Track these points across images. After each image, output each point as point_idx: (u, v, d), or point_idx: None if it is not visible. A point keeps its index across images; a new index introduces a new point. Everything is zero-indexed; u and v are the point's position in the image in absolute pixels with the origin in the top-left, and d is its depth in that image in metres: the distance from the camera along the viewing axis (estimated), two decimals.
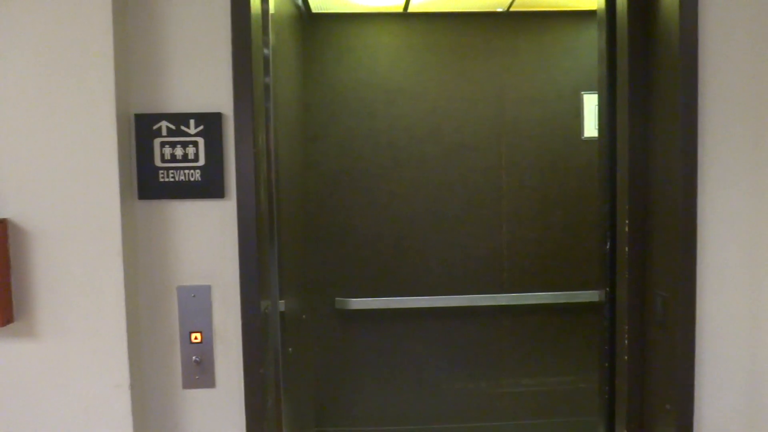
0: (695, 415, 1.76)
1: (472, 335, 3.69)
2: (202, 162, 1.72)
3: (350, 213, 3.63)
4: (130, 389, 1.65)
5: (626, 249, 1.91)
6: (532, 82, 3.63)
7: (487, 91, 3.62)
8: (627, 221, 1.90)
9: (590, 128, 3.61)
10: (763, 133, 1.74)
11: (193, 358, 1.76)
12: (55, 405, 1.65)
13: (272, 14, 1.98)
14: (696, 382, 1.75)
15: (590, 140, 3.59)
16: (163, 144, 1.72)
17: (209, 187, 1.73)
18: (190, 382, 1.77)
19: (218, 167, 1.72)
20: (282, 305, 2.23)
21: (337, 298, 3.62)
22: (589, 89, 3.57)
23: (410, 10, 3.55)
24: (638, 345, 1.92)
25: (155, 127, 1.71)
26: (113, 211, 1.62)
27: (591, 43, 3.33)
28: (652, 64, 1.84)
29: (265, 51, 1.91)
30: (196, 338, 1.75)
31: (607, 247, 2.07)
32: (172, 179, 1.72)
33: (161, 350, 1.76)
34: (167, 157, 1.72)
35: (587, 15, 3.49)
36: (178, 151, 1.72)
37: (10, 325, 1.61)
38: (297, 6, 3.12)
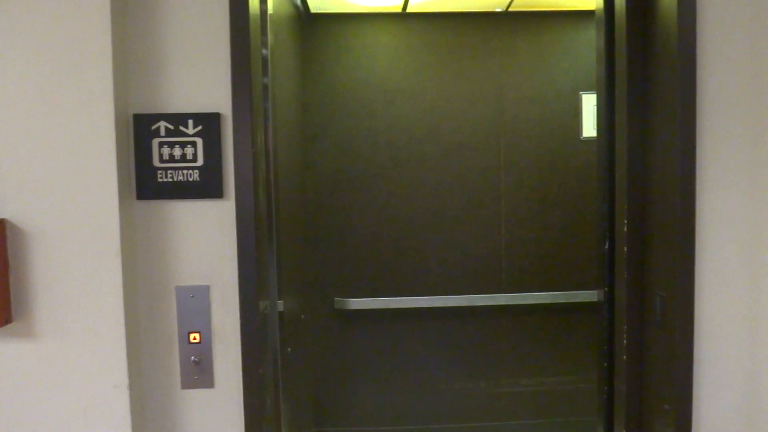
0: (694, 415, 1.76)
1: (471, 335, 3.69)
2: (200, 162, 1.72)
3: (349, 213, 3.62)
4: (129, 389, 1.65)
5: (625, 249, 1.91)
6: (530, 82, 3.63)
7: (485, 91, 3.62)
8: (626, 221, 1.90)
9: (589, 128, 3.61)
10: (762, 132, 1.74)
11: (192, 358, 1.76)
12: (54, 405, 1.65)
13: (271, 14, 1.98)
14: (695, 382, 1.76)
15: (589, 140, 3.58)
16: (161, 144, 1.72)
17: (208, 187, 1.73)
18: (188, 383, 1.77)
19: (217, 167, 1.72)
20: (281, 305, 2.23)
21: (336, 298, 3.62)
22: (588, 89, 3.57)
23: (409, 10, 3.54)
24: (637, 345, 1.92)
25: (154, 128, 1.71)
26: (112, 212, 1.62)
27: (590, 43, 3.35)
28: (651, 64, 1.84)
29: (264, 51, 1.90)
30: (194, 338, 1.75)
31: (606, 246, 2.07)
32: (170, 179, 1.72)
33: (160, 350, 1.76)
34: (166, 157, 1.72)
35: (586, 15, 3.49)
36: (177, 152, 1.72)
37: (9, 326, 1.61)
38: (295, 6, 3.12)
